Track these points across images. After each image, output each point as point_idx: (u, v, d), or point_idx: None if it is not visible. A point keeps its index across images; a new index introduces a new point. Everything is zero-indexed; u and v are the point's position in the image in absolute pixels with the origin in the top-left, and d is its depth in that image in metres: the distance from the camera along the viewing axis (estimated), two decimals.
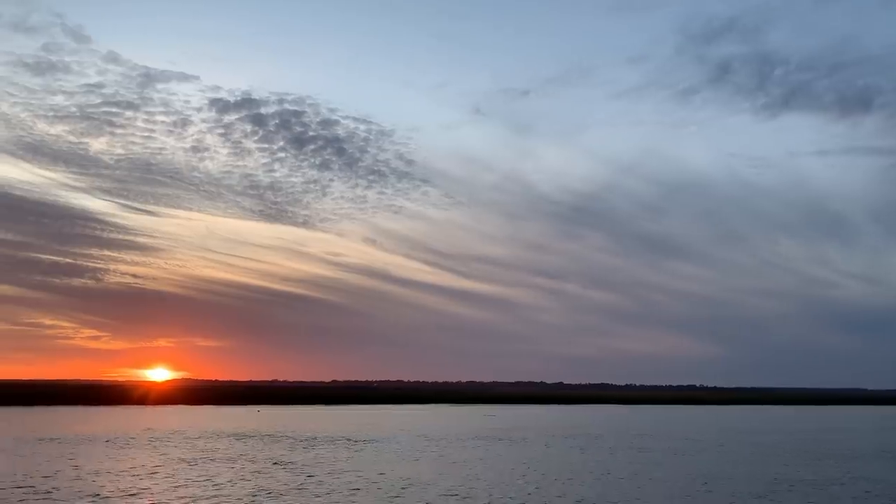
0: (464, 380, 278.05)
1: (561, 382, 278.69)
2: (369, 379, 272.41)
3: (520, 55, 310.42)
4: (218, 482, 26.89)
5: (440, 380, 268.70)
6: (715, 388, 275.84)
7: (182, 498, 23.29)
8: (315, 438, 47.88)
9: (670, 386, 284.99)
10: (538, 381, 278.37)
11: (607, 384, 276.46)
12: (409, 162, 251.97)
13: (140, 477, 28.01)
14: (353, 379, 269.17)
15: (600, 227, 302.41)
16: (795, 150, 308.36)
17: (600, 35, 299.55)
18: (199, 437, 47.53)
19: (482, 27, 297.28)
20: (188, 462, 33.39)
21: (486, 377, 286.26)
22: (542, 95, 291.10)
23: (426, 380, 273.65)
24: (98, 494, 23.65)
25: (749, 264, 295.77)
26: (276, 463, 33.38)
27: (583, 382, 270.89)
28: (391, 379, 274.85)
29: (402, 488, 25.98)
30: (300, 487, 25.89)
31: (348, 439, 47.43)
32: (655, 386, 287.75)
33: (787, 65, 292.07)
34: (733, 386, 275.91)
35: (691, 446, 46.97)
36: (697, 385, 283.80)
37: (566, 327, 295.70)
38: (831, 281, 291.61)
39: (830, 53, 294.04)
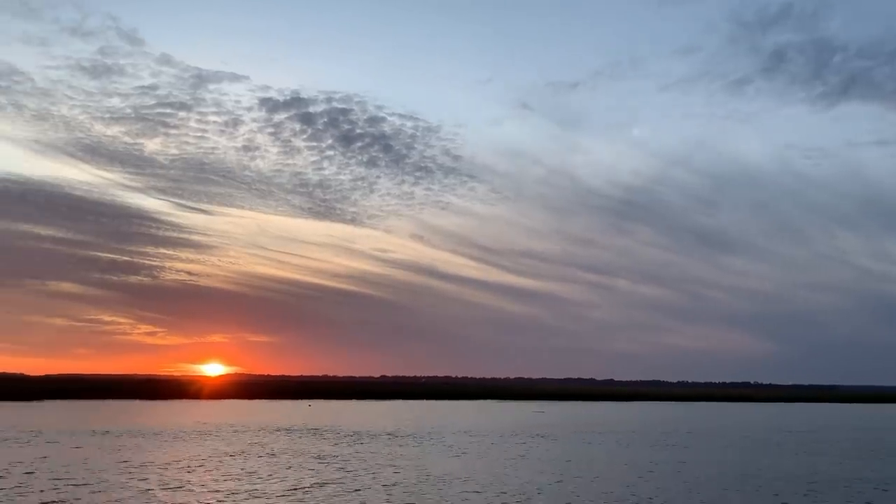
0: (512, 376, 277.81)
1: (611, 379, 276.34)
2: (417, 374, 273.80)
3: (567, 48, 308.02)
4: (258, 476, 27.10)
5: (488, 376, 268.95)
6: (770, 385, 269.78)
7: (220, 491, 23.51)
8: (360, 433, 48.08)
9: (723, 383, 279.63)
10: (588, 377, 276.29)
11: (659, 381, 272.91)
12: (456, 158, 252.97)
13: (184, 470, 28.41)
14: (402, 374, 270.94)
15: (650, 221, 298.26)
16: (853, 140, 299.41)
17: (649, 25, 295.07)
18: (247, 431, 48.17)
19: (528, 20, 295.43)
20: (233, 455, 33.79)
21: (535, 373, 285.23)
22: (590, 88, 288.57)
23: (474, 375, 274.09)
24: (141, 487, 24.02)
25: (804, 258, 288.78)
26: (317, 457, 33.56)
27: (634, 379, 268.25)
28: (439, 375, 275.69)
29: (442, 484, 25.81)
30: (338, 482, 25.91)
31: (393, 434, 47.52)
32: (708, 383, 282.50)
33: (845, 52, 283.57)
34: (788, 383, 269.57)
35: (742, 443, 45.82)
36: (751, 382, 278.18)
37: (616, 323, 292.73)
38: (890, 275, 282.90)
39: (891, 39, 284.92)
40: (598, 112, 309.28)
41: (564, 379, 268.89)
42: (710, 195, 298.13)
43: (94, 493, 22.68)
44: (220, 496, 22.57)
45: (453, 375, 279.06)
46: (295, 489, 24.16)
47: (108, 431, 45.77)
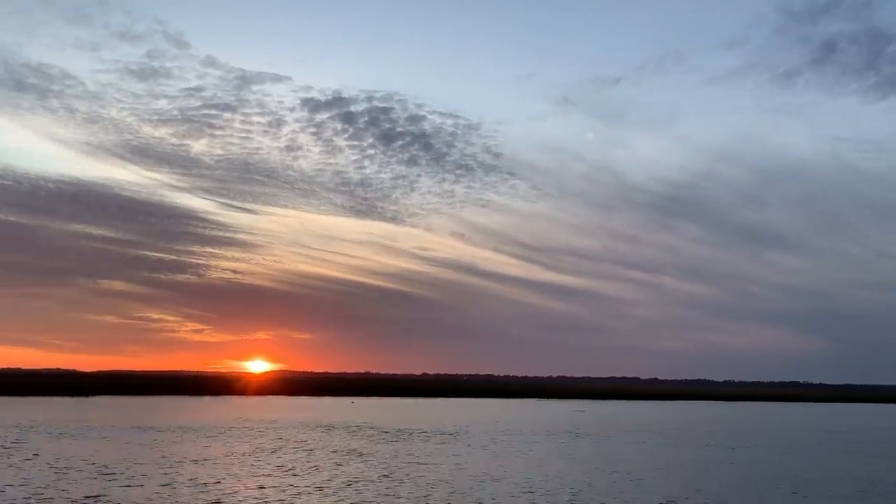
0: (554, 374, 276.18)
1: (655, 378, 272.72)
2: (459, 372, 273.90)
3: (609, 42, 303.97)
4: (293, 472, 27.38)
5: (530, 374, 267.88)
6: (820, 384, 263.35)
7: (252, 487, 23.81)
8: (400, 430, 48.28)
9: (772, 382, 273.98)
10: (631, 376, 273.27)
11: (705, 380, 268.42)
12: (497, 155, 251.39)
13: (220, 465, 28.85)
14: (443, 372, 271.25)
15: (696, 217, 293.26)
16: None
17: (694, 18, 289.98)
18: (288, 427, 48.74)
19: (570, 15, 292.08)
20: (271, 451, 34.20)
21: (577, 372, 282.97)
22: (634, 83, 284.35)
23: (515, 374, 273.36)
24: (176, 482, 24.46)
25: (856, 254, 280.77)
26: (353, 454, 33.79)
27: (679, 378, 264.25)
28: (480, 373, 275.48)
29: (475, 483, 25.75)
30: (371, 479, 26.03)
31: (432, 432, 47.61)
32: (756, 382, 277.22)
33: None
34: (840, 383, 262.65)
35: (787, 445, 44.83)
36: (801, 382, 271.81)
37: (661, 321, 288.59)
38: None
39: None
40: (641, 107, 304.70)
41: (607, 378, 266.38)
42: (757, 190, 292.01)
43: (131, 487, 23.15)
44: (252, 492, 22.86)
45: (495, 374, 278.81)
46: (327, 486, 24.33)
47: (152, 427, 46.74)
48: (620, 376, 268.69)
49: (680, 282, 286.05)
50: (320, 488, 23.83)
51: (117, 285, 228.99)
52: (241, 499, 21.64)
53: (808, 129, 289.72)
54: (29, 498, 20.91)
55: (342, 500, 21.93)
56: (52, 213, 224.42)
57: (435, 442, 40.76)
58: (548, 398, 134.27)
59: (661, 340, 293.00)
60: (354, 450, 35.64)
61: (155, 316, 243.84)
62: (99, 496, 21.40)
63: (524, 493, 23.92)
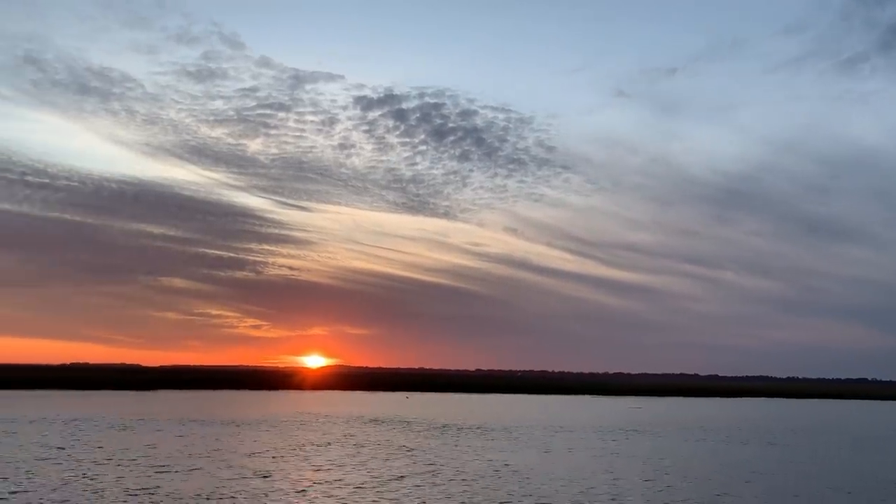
0: (610, 371, 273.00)
1: (715, 374, 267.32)
2: (513, 368, 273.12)
3: (664, 32, 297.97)
4: (341, 465, 27.65)
5: (585, 370, 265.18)
6: (890, 381, 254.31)
7: (300, 480, 24.12)
8: (451, 426, 48.35)
9: (837, 379, 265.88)
10: (691, 372, 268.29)
11: (767, 377, 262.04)
12: (550, 149, 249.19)
13: (271, 459, 29.32)
14: (497, 368, 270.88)
15: (756, 210, 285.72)
16: None
17: (753, 4, 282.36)
18: (340, 422, 49.28)
19: (622, 4, 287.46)
20: (321, 445, 34.63)
21: (635, 368, 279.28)
22: (690, 73, 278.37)
23: (571, 370, 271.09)
24: (227, 475, 24.94)
25: None
26: (402, 449, 33.96)
27: (740, 374, 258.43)
28: (535, 369, 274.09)
29: (523, 479, 25.61)
30: (418, 473, 26.11)
31: (483, 428, 47.55)
32: (821, 379, 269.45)
33: None
34: None
35: (850, 444, 43.40)
36: (868, 378, 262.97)
37: (721, 317, 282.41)
38: None
39: None
40: (698, 97, 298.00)
41: (665, 374, 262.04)
42: (821, 181, 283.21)
43: (183, 481, 23.71)
44: (299, 485, 23.16)
45: (549, 370, 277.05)
46: (375, 480, 24.50)
47: (210, 421, 47.80)
48: (679, 373, 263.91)
49: (740, 276, 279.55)
50: (367, 483, 24.02)
51: (178, 282, 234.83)
52: (287, 492, 21.95)
53: (874, 118, 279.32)
54: (85, 490, 21.56)
55: (387, 494, 22.05)
56: (114, 213, 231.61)
57: (484, 438, 40.69)
58: (604, 395, 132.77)
59: (720, 336, 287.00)
60: (404, 445, 35.82)
61: (215, 312, 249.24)
62: (152, 489, 21.95)
63: (569, 489, 23.67)
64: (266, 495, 21.42)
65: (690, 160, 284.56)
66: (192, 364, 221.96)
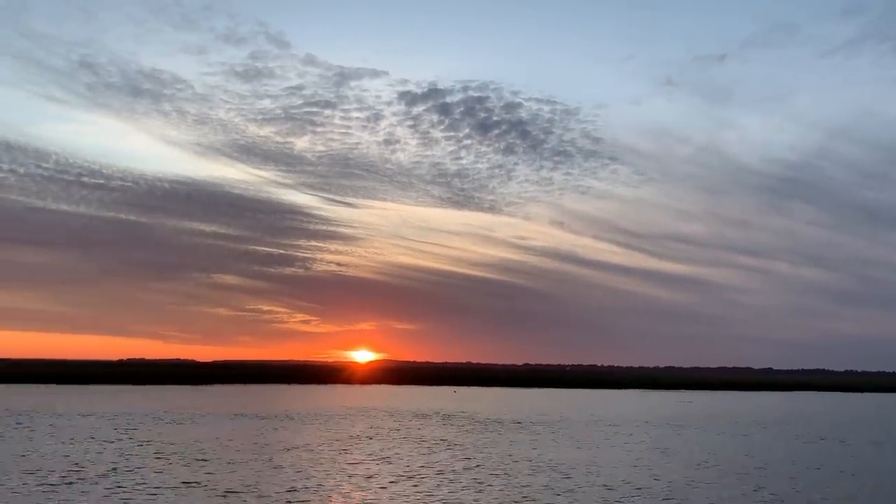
0: (661, 365, 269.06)
1: (770, 368, 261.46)
2: (561, 363, 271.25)
3: (713, 18, 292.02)
4: (380, 459, 27.76)
5: (635, 364, 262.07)
6: None
7: (336, 473, 24.26)
8: (496, 420, 48.20)
9: None
10: (744, 366, 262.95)
11: (823, 370, 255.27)
12: (596, 140, 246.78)
13: (313, 452, 29.58)
14: (545, 363, 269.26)
15: (811, 198, 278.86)
16: None
17: None
18: (385, 416, 49.53)
19: None
20: (362, 439, 34.84)
21: (686, 362, 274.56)
22: (741, 60, 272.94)
23: (620, 364, 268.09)
24: (267, 468, 25.25)
25: None
26: (442, 442, 33.94)
27: (795, 368, 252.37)
28: (584, 363, 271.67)
29: (558, 473, 25.36)
30: (456, 470, 26.06)
31: (527, 422, 47.29)
32: (880, 372, 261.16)
33: None
34: None
35: None
36: None
37: (774, 309, 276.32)
38: None
39: None
40: (750, 84, 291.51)
41: (717, 368, 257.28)
42: (879, 168, 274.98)
43: (224, 473, 24.07)
44: (335, 478, 23.30)
45: (599, 364, 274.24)
46: (415, 474, 24.53)
47: (258, 415, 48.51)
48: (732, 366, 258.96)
49: (795, 267, 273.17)
50: (402, 476, 24.05)
51: (229, 279, 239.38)
52: (324, 485, 22.09)
53: None
54: (127, 482, 22.03)
55: (420, 488, 22.05)
56: (167, 212, 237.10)
57: (527, 432, 40.45)
58: (654, 389, 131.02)
59: (774, 329, 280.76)
60: (445, 439, 35.83)
61: (265, 308, 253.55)
62: (193, 483, 22.32)
63: (601, 482, 23.34)
64: (299, 488, 21.59)
65: (742, 149, 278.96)
66: (243, 359, 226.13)
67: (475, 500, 20.51)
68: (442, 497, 20.87)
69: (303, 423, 42.65)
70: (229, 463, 26.16)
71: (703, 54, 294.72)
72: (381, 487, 22.10)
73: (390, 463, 27.15)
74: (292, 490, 21.28)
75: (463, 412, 55.80)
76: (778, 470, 27.96)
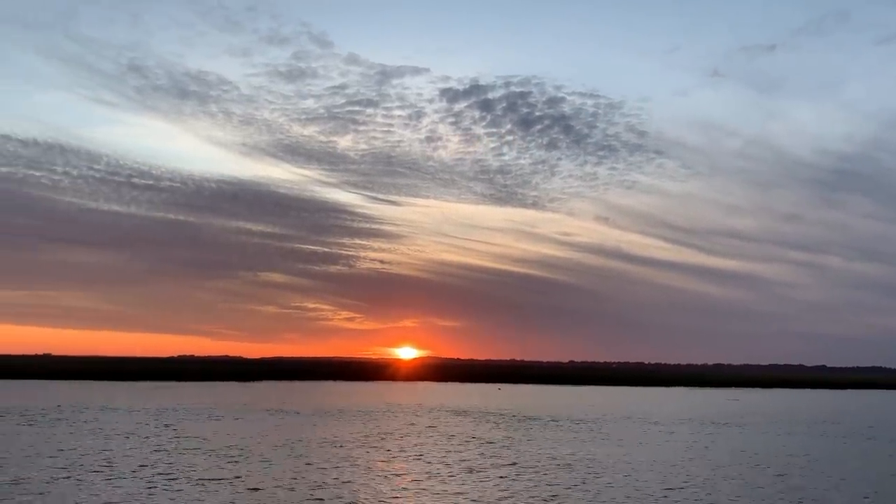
0: (710, 362, 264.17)
1: (823, 365, 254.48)
2: (608, 360, 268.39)
3: (761, 6, 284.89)
4: (414, 455, 27.74)
5: (683, 362, 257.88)
6: None
7: (366, 470, 24.30)
8: (538, 417, 47.85)
9: None
10: (796, 363, 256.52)
11: (880, 367, 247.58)
12: (641, 134, 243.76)
13: (344, 447, 29.70)
14: (591, 360, 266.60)
15: (866, 191, 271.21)
16: None
17: None
18: (421, 413, 49.58)
19: None
20: (395, 435, 34.86)
21: (736, 359, 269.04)
22: (791, 48, 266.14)
23: (668, 362, 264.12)
24: (296, 464, 25.41)
25: None
26: (474, 439, 33.77)
27: (849, 365, 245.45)
28: (630, 360, 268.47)
29: (591, 471, 24.99)
30: (485, 467, 25.88)
31: (569, 420, 46.83)
32: None
33: None
34: None
35: None
36: None
37: (828, 305, 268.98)
38: None
39: None
40: (801, 74, 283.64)
41: (769, 365, 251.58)
42: None
43: (251, 468, 24.29)
44: (366, 474, 23.32)
45: (646, 361, 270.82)
46: (443, 471, 24.43)
47: (301, 411, 49.02)
48: (783, 363, 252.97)
49: (849, 262, 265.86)
50: (431, 473, 23.97)
51: (276, 277, 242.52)
52: (351, 480, 22.11)
53: None
54: (154, 477, 22.37)
55: (448, 485, 21.94)
56: (215, 212, 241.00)
57: (569, 430, 40.02)
58: (702, 387, 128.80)
59: (828, 325, 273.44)
60: (483, 436, 35.65)
61: (310, 305, 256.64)
62: (220, 479, 22.56)
63: (633, 481, 22.91)
64: (326, 484, 21.65)
65: (794, 141, 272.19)
66: (290, 356, 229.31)
67: (499, 499, 20.30)
68: (467, 494, 20.70)
69: (341, 419, 42.89)
70: (259, 460, 26.37)
71: (752, 44, 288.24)
72: (406, 483, 22.05)
73: (421, 459, 27.08)
74: (318, 484, 21.34)
75: (506, 409, 55.53)
76: (813, 470, 27.13)
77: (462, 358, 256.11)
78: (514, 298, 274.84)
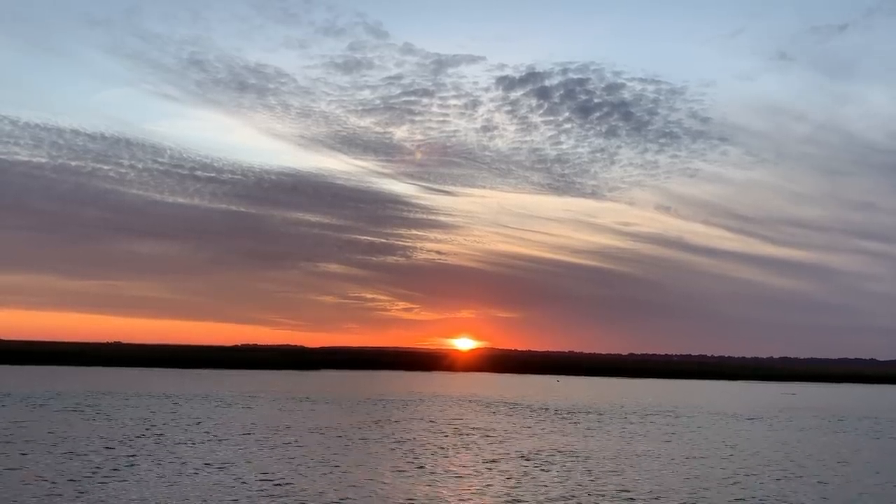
0: (776, 355, 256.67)
1: None
2: (668, 352, 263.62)
3: None
4: (419, 446, 28.47)
5: (748, 355, 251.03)
6: None
7: (371, 460, 25.07)
8: (593, 410, 48.00)
9: None
10: (867, 357, 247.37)
11: None
12: (704, 120, 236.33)
13: (372, 438, 30.60)
14: (651, 352, 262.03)
15: None
16: None
17: None
18: (454, 404, 50.25)
19: None
20: (426, 428, 35.66)
21: (803, 353, 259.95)
22: (864, 28, 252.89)
23: (732, 355, 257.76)
24: (321, 450, 26.37)
25: None
26: (527, 431, 34.27)
27: None
28: (692, 353, 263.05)
29: (632, 466, 25.22)
30: (511, 458, 26.33)
31: (623, 412, 46.84)
32: None
33: None
34: None
35: None
36: None
37: None
38: None
39: None
40: (874, 56, 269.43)
41: (838, 359, 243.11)
42: None
43: (272, 456, 25.32)
44: (381, 467, 24.11)
45: (709, 354, 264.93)
46: (468, 465, 25.03)
47: (347, 399, 50.31)
48: (854, 357, 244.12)
49: None
50: (454, 470, 24.58)
51: (334, 268, 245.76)
52: (364, 476, 22.91)
53: None
54: (171, 463, 23.61)
55: (477, 480, 22.48)
56: (275, 203, 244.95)
57: (621, 423, 40.12)
58: (768, 380, 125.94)
59: None
60: (530, 427, 36.11)
61: (369, 296, 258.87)
62: (231, 462, 23.68)
63: (666, 477, 23.06)
64: (350, 473, 22.48)
65: (866, 125, 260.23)
66: (349, 345, 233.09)
67: (513, 490, 20.76)
68: (485, 488, 21.24)
69: (383, 408, 43.83)
70: (284, 444, 27.46)
71: (821, 24, 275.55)
72: (433, 479, 22.69)
73: (421, 450, 27.73)
74: (343, 471, 22.21)
75: (561, 401, 55.77)
76: (842, 469, 26.71)
77: (520, 349, 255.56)
78: (572, 289, 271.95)
